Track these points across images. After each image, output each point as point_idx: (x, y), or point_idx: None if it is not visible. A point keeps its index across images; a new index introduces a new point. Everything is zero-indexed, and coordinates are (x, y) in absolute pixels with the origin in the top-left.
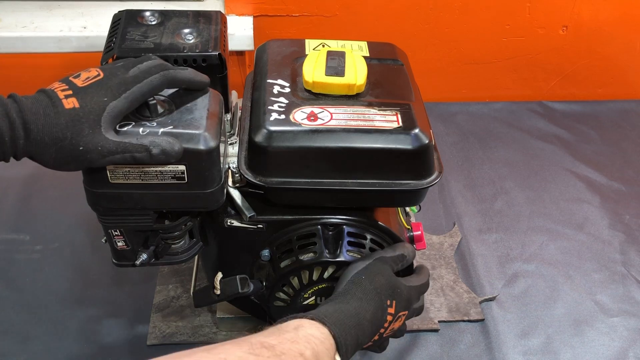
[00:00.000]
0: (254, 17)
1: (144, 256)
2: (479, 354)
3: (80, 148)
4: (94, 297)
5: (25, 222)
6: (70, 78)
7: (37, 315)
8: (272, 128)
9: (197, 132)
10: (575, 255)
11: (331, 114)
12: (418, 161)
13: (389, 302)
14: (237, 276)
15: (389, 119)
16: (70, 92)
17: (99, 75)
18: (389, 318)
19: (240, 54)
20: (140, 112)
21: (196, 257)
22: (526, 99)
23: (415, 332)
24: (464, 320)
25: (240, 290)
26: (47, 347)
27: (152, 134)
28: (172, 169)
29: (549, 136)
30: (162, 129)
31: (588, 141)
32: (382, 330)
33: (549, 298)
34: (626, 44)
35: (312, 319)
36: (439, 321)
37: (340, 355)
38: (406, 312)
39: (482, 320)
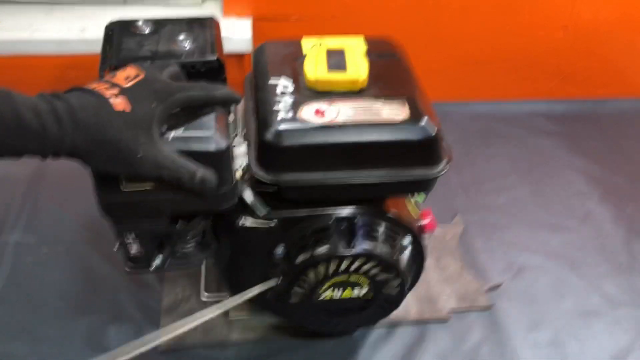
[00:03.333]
0: (253, 19)
1: (158, 260)
2: (487, 347)
3: (139, 155)
4: (102, 300)
5: (30, 224)
6: (107, 79)
7: (46, 318)
8: (281, 127)
9: (208, 133)
10: (579, 248)
11: (338, 109)
12: (428, 150)
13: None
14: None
15: (396, 111)
16: (116, 91)
17: (139, 75)
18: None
19: (239, 56)
20: None
21: (204, 268)
22: (526, 98)
23: (425, 323)
24: (472, 310)
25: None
26: (57, 351)
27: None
28: None
29: (549, 135)
30: (172, 133)
31: (588, 140)
32: None
33: (554, 291)
34: (626, 44)
35: None
36: (449, 310)
37: None
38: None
39: (491, 307)
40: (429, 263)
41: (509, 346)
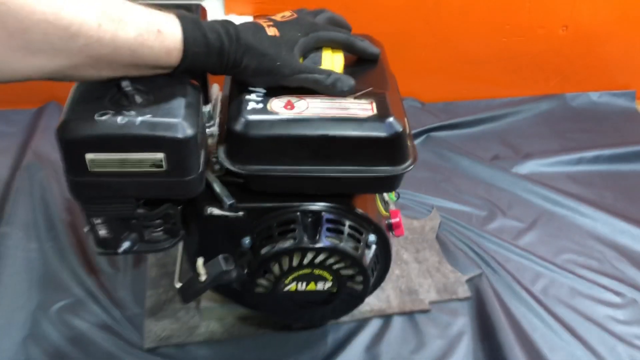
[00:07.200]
0: (254, 17)
1: (127, 244)
2: (469, 331)
3: (278, 63)
4: (87, 302)
5: (20, 219)
6: (268, 17)
7: (31, 317)
8: (250, 117)
9: (175, 120)
10: (553, 242)
11: (308, 102)
12: (392, 148)
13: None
14: (220, 255)
15: (363, 108)
16: (271, 23)
17: (293, 15)
18: None
19: None
20: (118, 101)
21: (180, 256)
22: (525, 96)
23: (408, 314)
24: (452, 300)
25: (224, 268)
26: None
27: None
28: (150, 157)
29: (547, 134)
30: (140, 118)
31: (586, 139)
32: None
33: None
34: (626, 43)
35: None
36: (429, 302)
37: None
38: None
39: (470, 298)
40: (409, 256)
41: (490, 328)
